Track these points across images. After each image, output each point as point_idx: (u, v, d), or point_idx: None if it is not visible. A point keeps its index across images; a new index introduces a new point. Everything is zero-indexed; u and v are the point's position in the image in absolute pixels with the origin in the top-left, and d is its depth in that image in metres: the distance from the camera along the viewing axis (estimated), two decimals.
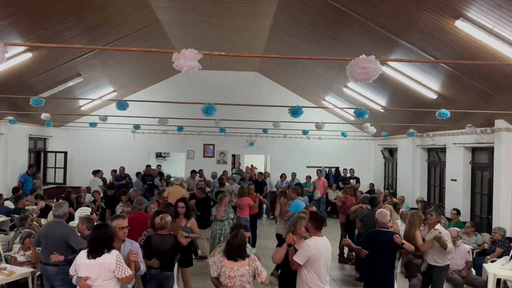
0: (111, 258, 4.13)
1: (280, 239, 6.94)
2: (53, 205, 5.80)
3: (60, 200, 5.67)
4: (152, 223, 5.63)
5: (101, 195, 11.63)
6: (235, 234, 4.45)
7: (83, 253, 4.21)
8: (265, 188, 14.09)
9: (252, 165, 20.83)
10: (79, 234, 5.60)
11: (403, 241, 5.48)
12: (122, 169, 14.34)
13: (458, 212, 9.47)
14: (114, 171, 14.35)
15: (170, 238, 5.42)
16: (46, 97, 9.06)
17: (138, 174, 14.11)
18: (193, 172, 14.12)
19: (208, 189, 13.24)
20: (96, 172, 13.83)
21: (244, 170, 17.19)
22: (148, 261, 5.19)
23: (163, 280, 5.34)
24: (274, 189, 14.72)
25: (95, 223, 5.69)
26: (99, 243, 4.14)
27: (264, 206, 14.74)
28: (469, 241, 8.39)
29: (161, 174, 15.16)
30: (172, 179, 14.64)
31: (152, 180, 14.00)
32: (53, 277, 5.33)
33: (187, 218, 6.69)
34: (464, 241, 8.00)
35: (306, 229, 4.96)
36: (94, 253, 4.12)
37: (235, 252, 4.35)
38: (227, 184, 11.91)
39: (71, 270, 4.28)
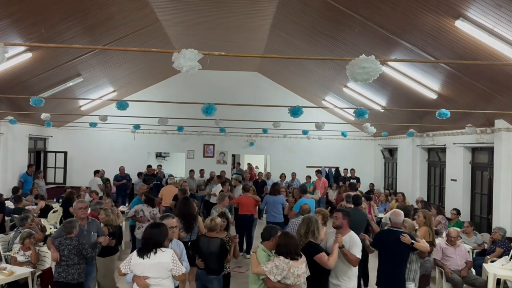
0: (167, 257, 4.11)
1: None
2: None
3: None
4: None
5: (100, 194, 11.62)
6: (286, 234, 4.50)
7: (135, 253, 4.17)
8: (265, 188, 14.07)
9: (256, 166, 20.79)
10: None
11: (412, 240, 5.19)
12: (123, 169, 14.33)
13: (458, 212, 9.46)
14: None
15: (216, 241, 5.34)
16: (46, 97, 9.06)
17: (139, 174, 14.10)
18: (192, 171, 14.10)
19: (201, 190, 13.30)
20: (96, 172, 13.83)
21: (244, 170, 17.18)
22: (195, 260, 5.28)
23: (206, 282, 5.30)
24: None
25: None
26: (155, 242, 4.12)
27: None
28: (469, 241, 8.39)
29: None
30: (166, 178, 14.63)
31: (160, 180, 13.94)
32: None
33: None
34: (464, 241, 8.00)
35: (337, 227, 5.00)
36: (148, 253, 4.08)
37: (295, 251, 4.35)
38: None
39: (124, 268, 4.17)
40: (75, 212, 5.80)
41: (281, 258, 4.32)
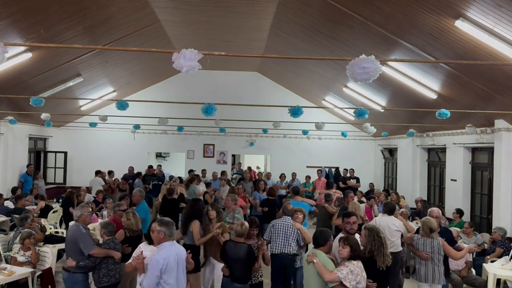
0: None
1: None
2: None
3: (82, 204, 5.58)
4: None
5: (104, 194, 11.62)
6: (353, 238, 4.36)
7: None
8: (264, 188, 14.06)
9: (258, 166, 20.70)
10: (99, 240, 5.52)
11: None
12: (131, 169, 14.28)
13: (459, 212, 9.44)
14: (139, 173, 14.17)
15: (244, 246, 5.05)
16: (46, 97, 9.05)
17: (139, 174, 14.09)
18: (191, 171, 14.07)
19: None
20: (98, 172, 13.80)
21: (244, 170, 17.16)
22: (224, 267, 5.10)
23: None
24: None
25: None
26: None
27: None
28: (469, 241, 8.38)
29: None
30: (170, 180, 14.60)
31: (159, 180, 13.90)
32: (64, 283, 5.21)
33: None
34: (464, 241, 7.99)
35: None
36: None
37: (358, 253, 4.24)
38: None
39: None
40: (84, 217, 5.36)
41: (354, 262, 4.13)
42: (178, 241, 5.74)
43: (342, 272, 4.07)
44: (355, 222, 5.01)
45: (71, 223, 9.32)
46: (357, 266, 4.10)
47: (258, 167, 20.59)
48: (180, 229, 6.13)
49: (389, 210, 6.69)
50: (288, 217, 6.23)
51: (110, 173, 14.04)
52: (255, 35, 10.71)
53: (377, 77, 3.68)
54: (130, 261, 4.35)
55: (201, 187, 11.71)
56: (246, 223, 5.31)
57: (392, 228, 6.46)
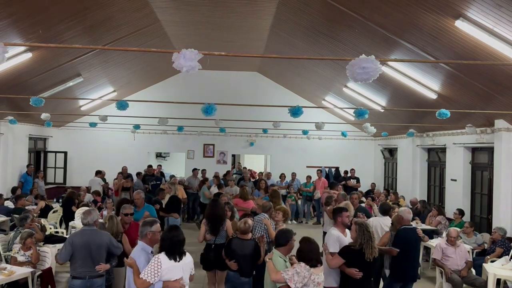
0: (190, 258, 4.20)
1: None
2: (81, 214, 5.22)
3: (89, 208, 5.40)
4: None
5: (101, 194, 11.62)
6: (308, 239, 4.35)
7: (164, 257, 3.99)
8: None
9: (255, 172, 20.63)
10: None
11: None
12: (125, 168, 14.26)
13: (461, 213, 9.45)
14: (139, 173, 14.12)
15: (251, 243, 5.33)
16: (46, 97, 9.05)
17: (138, 174, 14.09)
18: (195, 170, 14.05)
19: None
20: (98, 172, 13.79)
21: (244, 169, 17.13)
22: (228, 261, 5.26)
23: (239, 285, 5.25)
24: None
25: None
26: (182, 245, 4.13)
27: None
28: (469, 241, 8.39)
29: (162, 174, 15.14)
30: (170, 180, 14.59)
31: (159, 180, 13.88)
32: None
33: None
34: (464, 241, 8.00)
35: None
36: (180, 255, 4.07)
37: (317, 258, 4.24)
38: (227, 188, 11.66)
39: (153, 278, 3.89)
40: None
41: (302, 264, 4.16)
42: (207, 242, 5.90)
43: (288, 273, 4.14)
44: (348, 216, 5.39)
45: (71, 223, 9.41)
46: (304, 268, 4.13)
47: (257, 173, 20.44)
48: (208, 231, 6.05)
49: (384, 210, 6.94)
50: (264, 214, 6.52)
51: (99, 172, 13.86)
52: (255, 35, 10.71)
53: (377, 77, 3.68)
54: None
55: (213, 189, 11.63)
56: (250, 221, 5.49)
57: (384, 228, 6.61)
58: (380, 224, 6.68)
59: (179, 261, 4.02)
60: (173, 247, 4.04)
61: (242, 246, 5.27)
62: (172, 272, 3.99)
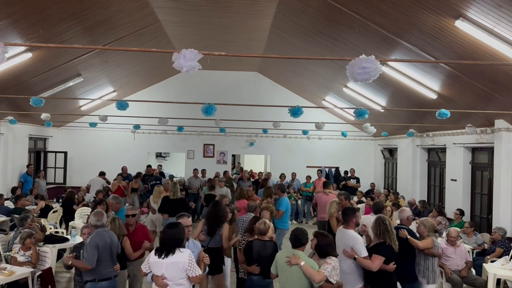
0: (184, 257, 4.12)
1: None
2: (92, 215, 5.17)
3: (96, 210, 5.37)
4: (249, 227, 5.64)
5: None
6: (322, 233, 4.54)
7: (153, 252, 4.21)
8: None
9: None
10: None
11: (409, 236, 5.45)
12: (125, 168, 14.25)
13: (461, 213, 9.45)
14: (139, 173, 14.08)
15: (272, 244, 5.26)
16: (46, 97, 9.06)
17: (138, 174, 14.07)
18: (196, 170, 14.02)
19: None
20: (102, 174, 13.70)
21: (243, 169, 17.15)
22: (248, 267, 5.16)
23: (264, 287, 5.16)
24: None
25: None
26: (174, 242, 4.13)
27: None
28: (469, 241, 8.39)
29: (162, 174, 15.13)
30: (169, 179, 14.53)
31: (158, 180, 13.83)
32: None
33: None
34: (464, 241, 8.00)
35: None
36: (166, 253, 4.09)
37: (334, 247, 4.48)
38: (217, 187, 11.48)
39: (145, 268, 4.25)
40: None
41: (334, 258, 4.34)
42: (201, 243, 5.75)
43: (327, 270, 4.22)
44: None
45: (71, 223, 9.41)
46: (335, 261, 4.33)
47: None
48: (205, 232, 5.96)
49: (377, 209, 6.93)
50: (250, 213, 6.58)
51: (103, 174, 13.84)
52: (255, 35, 10.71)
53: (377, 77, 3.68)
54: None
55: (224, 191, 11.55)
56: (269, 222, 5.40)
57: None
58: (371, 222, 6.68)
59: (163, 258, 4.08)
60: (161, 244, 4.18)
61: (264, 247, 5.17)
62: (155, 267, 4.15)
